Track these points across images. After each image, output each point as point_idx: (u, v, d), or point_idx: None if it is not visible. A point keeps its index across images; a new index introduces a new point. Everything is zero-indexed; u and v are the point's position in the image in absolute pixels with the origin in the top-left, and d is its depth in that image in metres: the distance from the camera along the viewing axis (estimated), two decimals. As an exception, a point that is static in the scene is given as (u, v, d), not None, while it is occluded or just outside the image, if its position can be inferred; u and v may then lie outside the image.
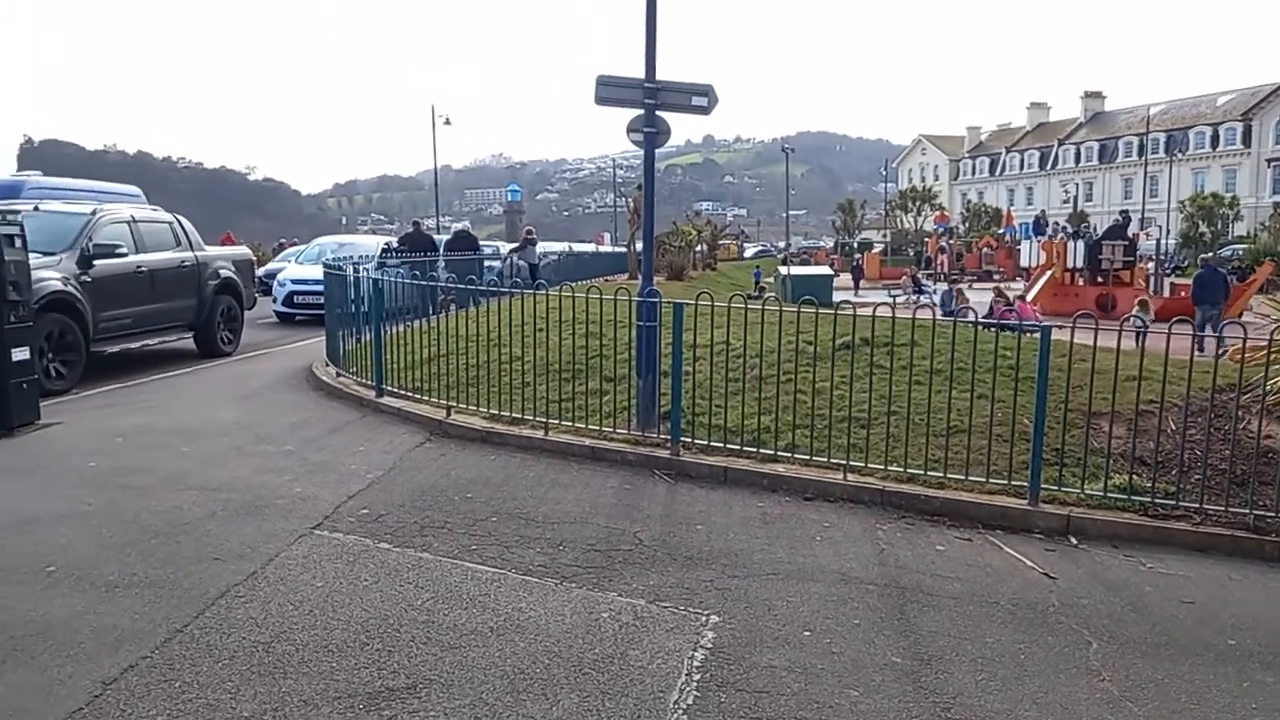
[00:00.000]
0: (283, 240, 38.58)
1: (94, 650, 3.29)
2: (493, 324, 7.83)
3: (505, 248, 22.04)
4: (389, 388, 8.08)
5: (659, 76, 6.58)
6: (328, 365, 9.74)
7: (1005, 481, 5.44)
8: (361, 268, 9.56)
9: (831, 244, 67.77)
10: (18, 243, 7.20)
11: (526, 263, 18.27)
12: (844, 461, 5.77)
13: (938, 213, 56.28)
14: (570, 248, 33.88)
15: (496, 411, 7.12)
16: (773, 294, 9.61)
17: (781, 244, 56.83)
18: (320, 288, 14.00)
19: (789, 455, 5.99)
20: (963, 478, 5.53)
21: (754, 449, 6.08)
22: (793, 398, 6.62)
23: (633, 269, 24.83)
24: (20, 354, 7.13)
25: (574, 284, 9.23)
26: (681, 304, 6.38)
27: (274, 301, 17.04)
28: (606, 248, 44.72)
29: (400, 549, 4.47)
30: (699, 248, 37.27)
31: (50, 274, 8.84)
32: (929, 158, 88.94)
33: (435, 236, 21.35)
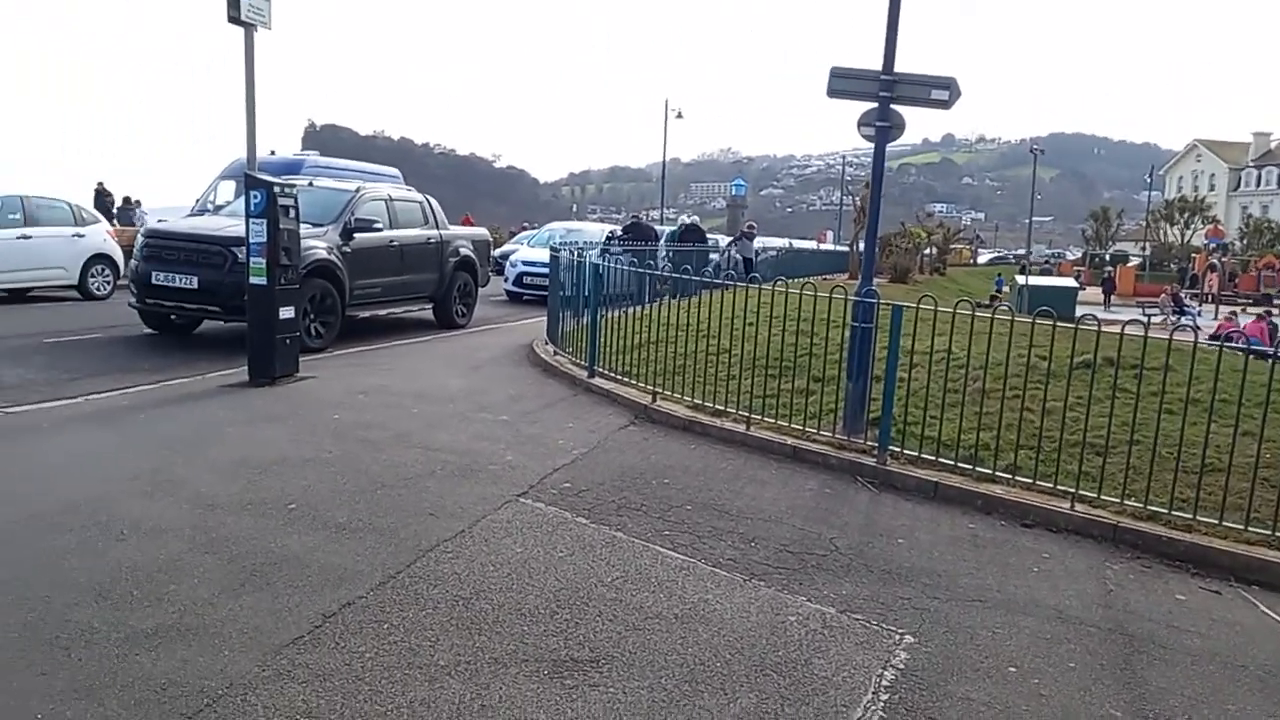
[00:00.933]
0: (525, 224, 40.89)
1: (319, 584, 3.62)
2: (703, 315, 7.85)
3: (723, 240, 22.09)
4: (600, 369, 8.32)
5: (897, 68, 6.28)
6: (547, 344, 10.19)
7: (1269, 532, 4.74)
8: (584, 253, 9.94)
9: (1079, 254, 62.41)
10: (292, 213, 8.06)
11: (742, 256, 18.23)
12: (1073, 490, 5.26)
13: (1210, 226, 50.16)
14: (790, 244, 33.43)
15: (700, 401, 7.13)
16: (1006, 304, 8.91)
17: (1020, 251, 53.02)
18: (546, 269, 14.67)
19: (1008, 477, 5.55)
20: (1215, 522, 4.87)
21: (969, 466, 5.69)
22: (1018, 416, 6.13)
23: (853, 268, 24.11)
24: (286, 312, 7.99)
25: (789, 280, 9.07)
26: (901, 306, 6.07)
27: (505, 281, 18.12)
28: (828, 246, 43.75)
29: (596, 525, 4.58)
30: (928, 250, 35.60)
31: (317, 243, 9.86)
32: (1204, 165, 79.49)
33: (657, 227, 21.81)
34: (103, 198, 23.06)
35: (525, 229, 32.54)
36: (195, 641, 3.07)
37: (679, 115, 40.11)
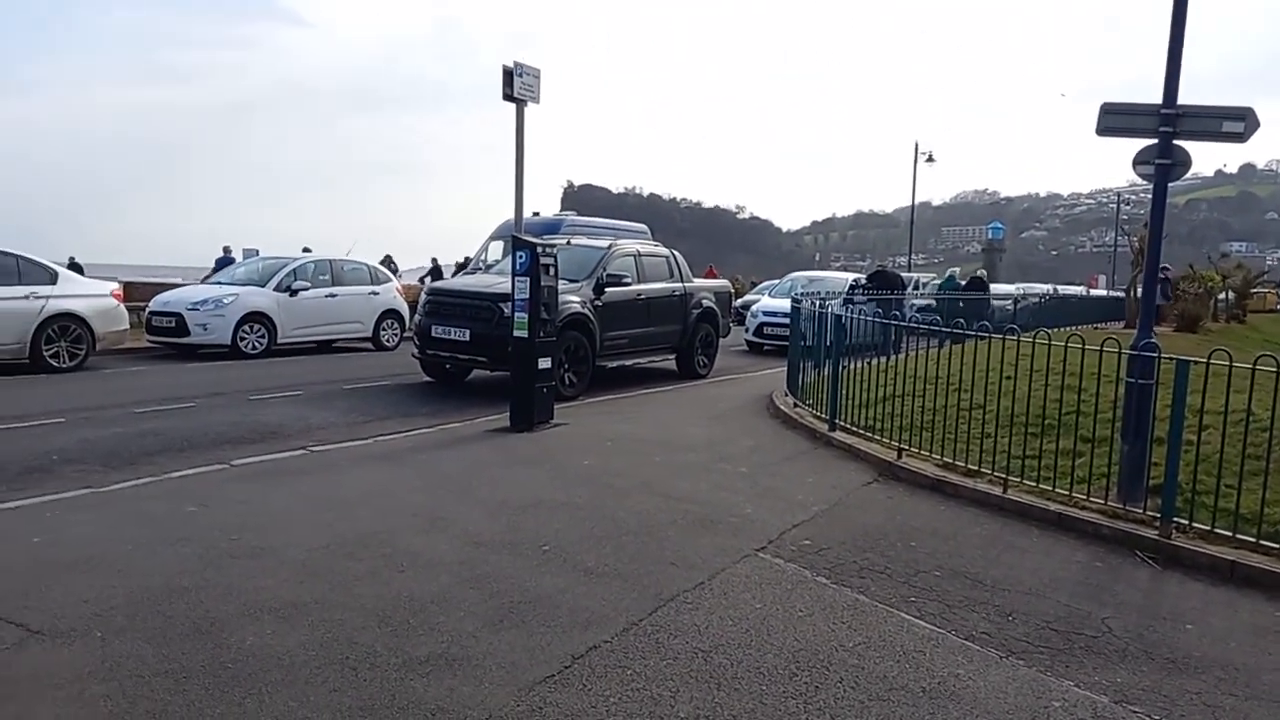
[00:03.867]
0: (773, 281, 40.98)
1: (568, 625, 3.81)
2: (953, 367, 7.47)
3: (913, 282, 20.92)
4: (842, 423, 8.14)
5: (1180, 100, 5.71)
6: (786, 395, 10.14)
7: None
8: (826, 302, 9.84)
9: None
10: (551, 271, 8.68)
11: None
12: None
13: None
14: (1054, 289, 30.99)
15: (950, 460, 6.76)
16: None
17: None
18: (787, 320, 14.61)
19: (1330, 560, 4.75)
20: None
21: (1276, 544, 4.94)
22: (1342, 488, 5.25)
23: (1131, 317, 21.87)
24: (545, 363, 8.58)
25: (1053, 330, 8.41)
26: (1187, 360, 5.43)
27: (746, 331, 18.29)
28: (1100, 291, 40.07)
29: (837, 586, 4.46)
30: (1223, 295, 31.56)
31: (572, 298, 10.53)
32: None
33: (904, 275, 21.12)
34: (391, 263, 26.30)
35: (768, 280, 32.69)
36: (460, 671, 3.33)
37: (930, 159, 38.71)
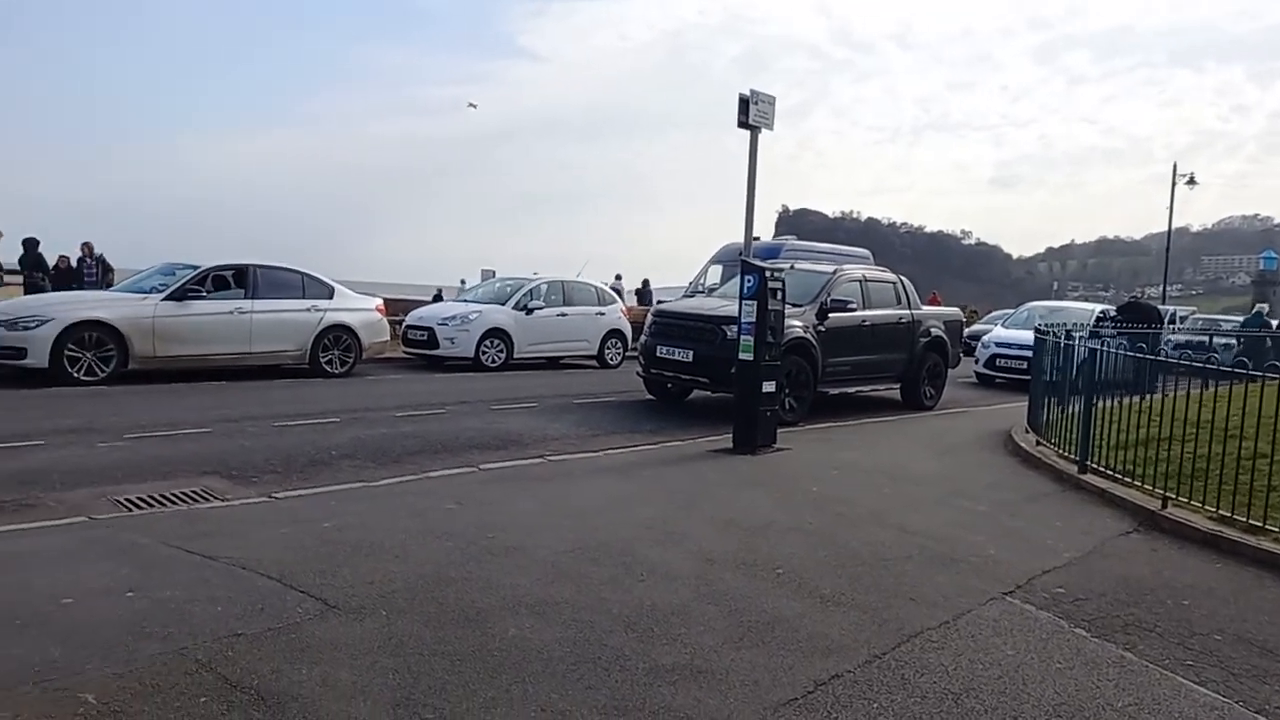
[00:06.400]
0: (1005, 310, 38.69)
1: (808, 651, 3.79)
2: (1231, 410, 6.71)
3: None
4: (1093, 464, 7.54)
5: None
6: (1027, 432, 9.53)
7: None
8: (1072, 334, 9.17)
9: None
10: (779, 295, 8.70)
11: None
12: None
13: None
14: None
15: (1227, 513, 6.07)
16: None
17: None
18: (1024, 352, 13.75)
19: None
20: None
21: None
22: None
23: None
24: (769, 386, 8.59)
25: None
26: None
27: (975, 362, 17.36)
28: None
29: (1099, 640, 4.13)
30: None
31: (795, 322, 10.47)
32: None
33: (1160, 307, 19.25)
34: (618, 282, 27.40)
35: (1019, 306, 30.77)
36: (706, 684, 3.41)
37: (1190, 181, 35.06)
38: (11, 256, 17.57)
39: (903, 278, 12.91)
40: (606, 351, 16.99)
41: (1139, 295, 19.17)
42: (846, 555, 5.18)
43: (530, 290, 15.99)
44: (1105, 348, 8.04)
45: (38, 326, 10.43)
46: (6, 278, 17.63)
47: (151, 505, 5.70)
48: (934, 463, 8.33)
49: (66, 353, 10.48)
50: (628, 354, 17.16)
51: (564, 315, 16.32)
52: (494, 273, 22.90)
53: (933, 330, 12.80)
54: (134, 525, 5.09)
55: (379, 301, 14.23)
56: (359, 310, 13.45)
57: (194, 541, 4.73)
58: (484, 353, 14.97)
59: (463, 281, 30.64)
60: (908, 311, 12.50)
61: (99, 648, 3.37)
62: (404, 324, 15.79)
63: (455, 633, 3.72)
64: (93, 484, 6.18)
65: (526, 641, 3.68)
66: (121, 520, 5.25)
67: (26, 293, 15.36)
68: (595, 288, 17.60)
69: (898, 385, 12.55)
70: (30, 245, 17.18)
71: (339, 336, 13.00)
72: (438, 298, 27.05)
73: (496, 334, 15.18)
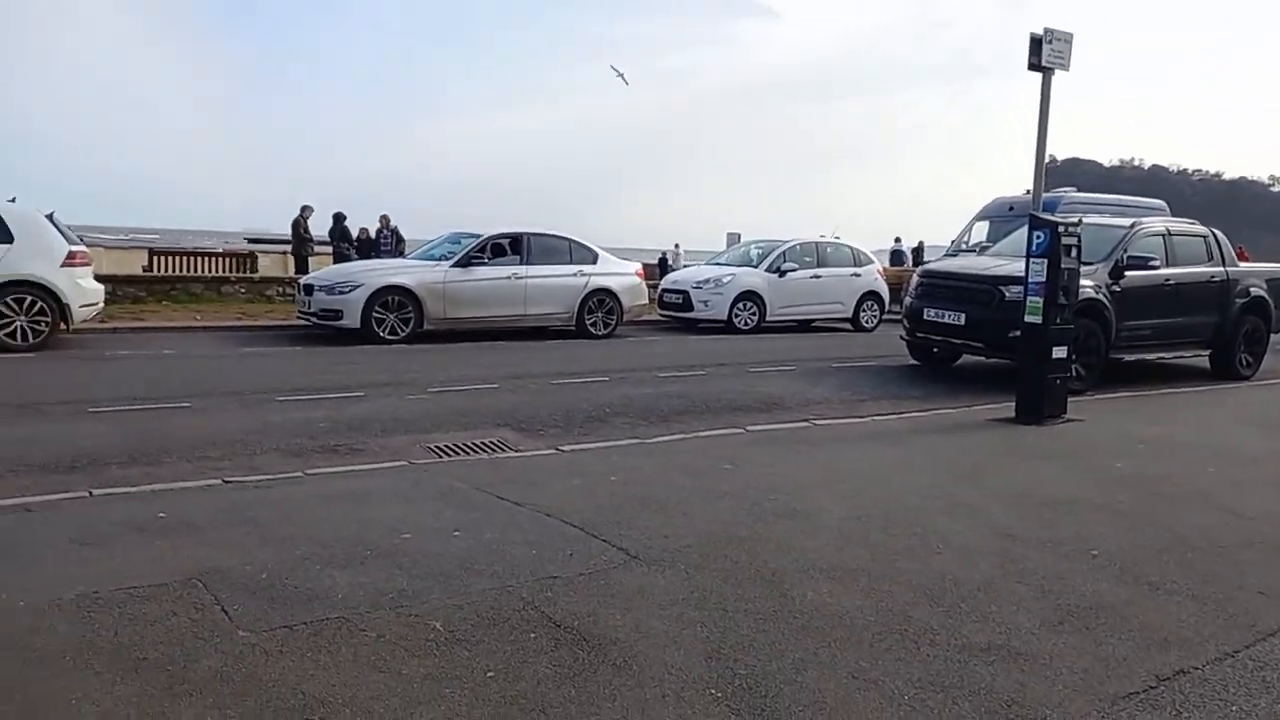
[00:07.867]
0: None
1: (1142, 642, 3.42)
2: None
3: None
4: None
5: None
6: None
7: None
8: None
9: None
10: (1074, 253, 7.92)
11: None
12: None
13: None
14: None
15: None
16: None
17: None
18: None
19: None
20: None
21: None
22: None
23: None
24: (1059, 352, 7.87)
25: None
26: None
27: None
28: None
29: None
30: None
31: (1085, 281, 9.47)
32: None
33: None
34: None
35: None
36: (1026, 667, 3.17)
37: None
38: (321, 229, 19.96)
39: (1216, 231, 11.34)
40: (862, 314, 16.46)
41: None
42: (1172, 539, 4.64)
43: (784, 252, 15.80)
44: None
45: (351, 291, 11.77)
46: (317, 248, 20.06)
47: (457, 453, 6.25)
48: (1265, 441, 7.28)
49: (374, 314, 11.74)
50: (884, 317, 16.53)
51: (817, 277, 15.99)
52: (739, 236, 22.87)
53: (1252, 290, 11.17)
54: (448, 471, 5.60)
55: (638, 266, 14.69)
56: (620, 275, 13.95)
57: (501, 488, 5.11)
58: (737, 315, 15.02)
59: (676, 245, 31.49)
60: (1221, 269, 10.98)
61: (438, 579, 3.72)
62: (660, 287, 16.19)
63: (754, 591, 3.73)
64: (406, 432, 6.87)
65: (827, 606, 3.61)
66: (437, 465, 5.79)
67: (335, 262, 17.36)
68: (851, 249, 17.08)
69: (1206, 352, 11.10)
70: (338, 219, 19.41)
71: (602, 299, 13.57)
72: (662, 261, 27.71)
73: (749, 296, 15.17)
